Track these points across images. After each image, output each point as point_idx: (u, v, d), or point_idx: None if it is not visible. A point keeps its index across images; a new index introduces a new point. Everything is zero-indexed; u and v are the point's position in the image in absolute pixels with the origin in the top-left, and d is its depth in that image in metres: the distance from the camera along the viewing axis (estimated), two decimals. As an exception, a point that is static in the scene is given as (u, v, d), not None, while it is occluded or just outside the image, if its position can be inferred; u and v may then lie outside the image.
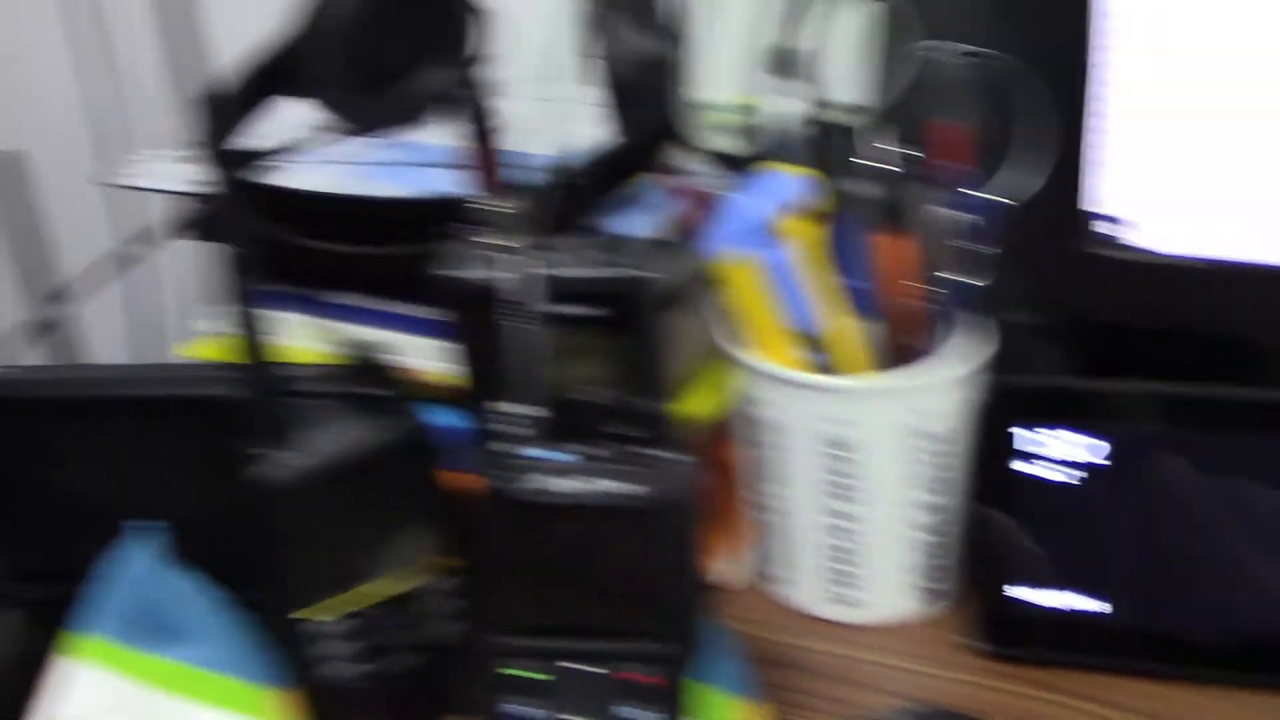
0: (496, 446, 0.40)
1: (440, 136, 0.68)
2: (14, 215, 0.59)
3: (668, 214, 0.60)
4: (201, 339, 0.68)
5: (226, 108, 0.66)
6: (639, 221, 0.57)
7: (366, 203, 0.56)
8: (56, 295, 0.61)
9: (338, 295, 0.61)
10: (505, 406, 0.41)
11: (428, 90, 0.71)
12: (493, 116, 0.48)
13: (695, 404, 0.63)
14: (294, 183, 0.63)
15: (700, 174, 0.54)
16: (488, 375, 0.48)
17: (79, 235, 0.88)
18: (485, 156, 0.48)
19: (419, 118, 0.71)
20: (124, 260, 0.64)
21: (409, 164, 0.65)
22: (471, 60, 0.72)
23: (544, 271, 0.44)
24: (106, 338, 0.90)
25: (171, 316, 1.00)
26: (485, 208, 0.48)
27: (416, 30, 0.70)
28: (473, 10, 0.71)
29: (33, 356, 0.63)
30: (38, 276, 0.60)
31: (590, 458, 0.39)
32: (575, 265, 0.46)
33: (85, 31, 0.91)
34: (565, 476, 0.39)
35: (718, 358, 0.67)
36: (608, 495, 0.38)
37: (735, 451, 0.56)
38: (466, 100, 0.49)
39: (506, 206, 0.48)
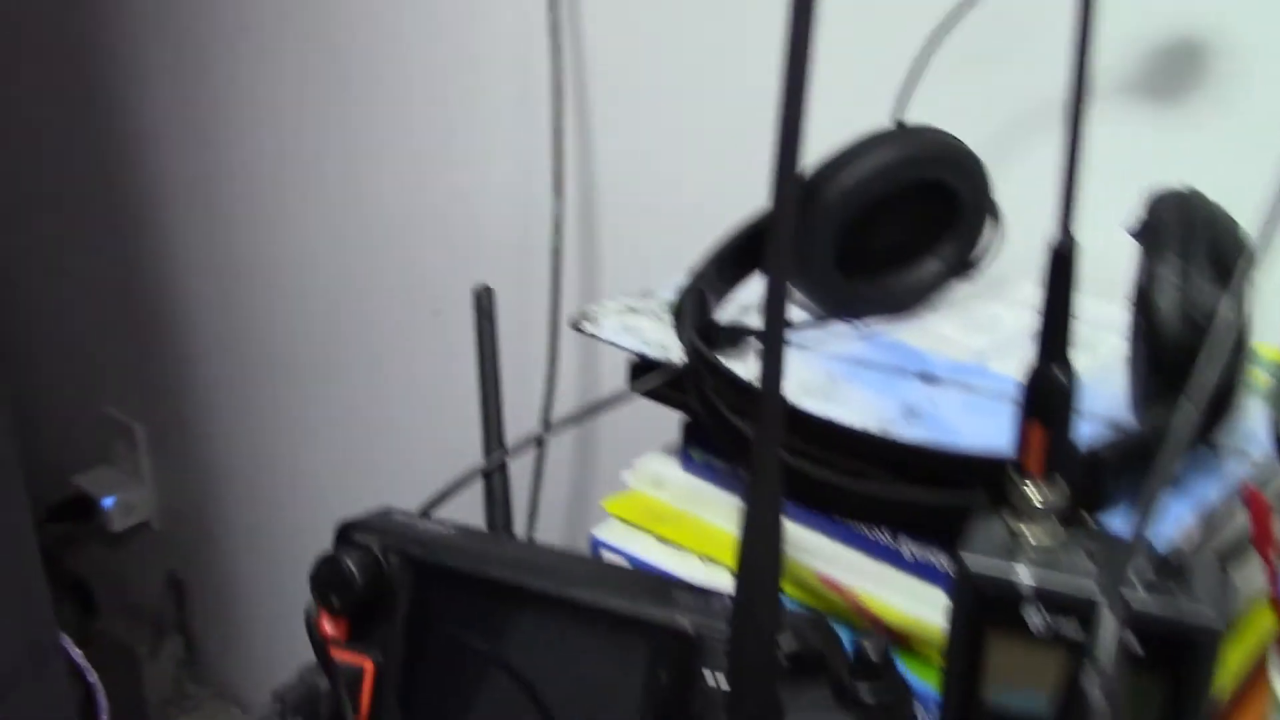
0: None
1: (938, 344, 0.62)
2: (481, 349, 0.57)
3: (1225, 515, 0.50)
4: (629, 495, 0.64)
5: (705, 275, 0.63)
6: (1183, 515, 0.48)
7: (868, 440, 0.50)
8: (504, 447, 0.58)
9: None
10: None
11: (924, 283, 0.65)
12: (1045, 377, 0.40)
13: None
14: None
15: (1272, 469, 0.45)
16: (983, 675, 0.41)
17: (527, 371, 0.87)
18: (1029, 426, 0.40)
19: (909, 309, 0.65)
20: (582, 415, 0.61)
21: (894, 369, 0.59)
22: (977, 261, 0.66)
23: (1112, 602, 0.36)
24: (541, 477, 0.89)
25: (607, 465, 0.98)
26: (1019, 486, 0.41)
27: (919, 218, 0.65)
28: (988, 209, 0.65)
29: (457, 505, 0.61)
30: (490, 415, 0.57)
31: None
32: (1125, 587, 0.38)
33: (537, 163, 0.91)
34: None
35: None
36: None
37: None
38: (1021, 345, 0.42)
39: (1046, 495, 0.40)
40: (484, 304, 0.58)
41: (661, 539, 0.62)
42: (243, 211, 1.30)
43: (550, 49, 0.86)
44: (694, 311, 0.59)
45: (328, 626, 0.51)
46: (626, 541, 0.63)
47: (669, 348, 0.61)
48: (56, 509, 1.69)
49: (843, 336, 0.63)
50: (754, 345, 0.61)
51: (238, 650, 1.64)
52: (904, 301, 0.65)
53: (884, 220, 0.63)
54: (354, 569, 0.49)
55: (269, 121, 1.22)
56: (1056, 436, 0.40)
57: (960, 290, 0.66)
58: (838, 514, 0.51)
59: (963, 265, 0.65)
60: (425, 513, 0.55)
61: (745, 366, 0.58)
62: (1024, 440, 0.40)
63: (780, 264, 0.35)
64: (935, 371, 0.58)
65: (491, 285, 1.03)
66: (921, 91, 0.66)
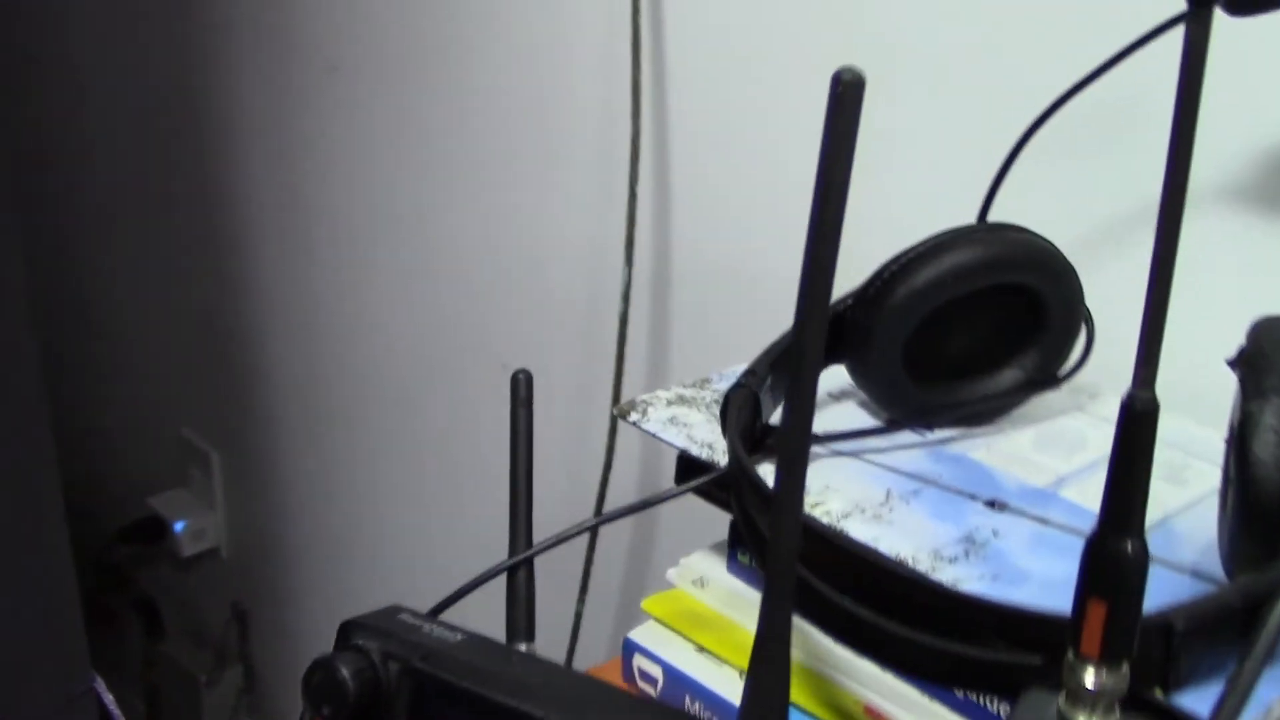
0: None
1: (1011, 464, 0.56)
2: (515, 438, 0.53)
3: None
4: (671, 594, 0.60)
5: (757, 372, 0.58)
6: (1269, 695, 0.43)
7: (918, 584, 0.45)
8: (530, 544, 0.55)
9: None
10: None
11: (1003, 394, 0.60)
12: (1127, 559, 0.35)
13: None
14: (820, 496, 0.53)
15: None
16: None
17: (589, 440, 0.84)
18: (1089, 604, 0.35)
19: (985, 421, 0.60)
20: (633, 509, 0.57)
21: (959, 491, 0.54)
22: (1063, 372, 0.60)
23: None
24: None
25: (657, 559, 0.94)
26: (1075, 669, 0.36)
27: (1000, 323, 0.60)
28: (1077, 315, 0.60)
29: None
30: (519, 509, 0.53)
31: None
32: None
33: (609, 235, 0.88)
34: None
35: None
36: None
37: None
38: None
39: (1104, 680, 0.35)
40: (520, 391, 0.54)
41: (699, 647, 0.58)
42: (324, 256, 1.29)
43: (630, 111, 0.83)
44: (741, 412, 0.54)
45: (318, 735, 0.47)
46: (662, 647, 0.59)
47: (715, 447, 0.56)
48: (129, 529, 1.70)
49: (908, 448, 0.58)
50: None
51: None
52: (979, 412, 0.59)
53: (961, 323, 0.58)
54: (348, 676, 0.46)
55: (354, 168, 1.21)
56: (1120, 616, 0.35)
57: (1043, 403, 0.61)
58: (875, 656, 0.46)
59: (1047, 376, 0.60)
60: (437, 612, 0.51)
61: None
62: (1082, 619, 0.35)
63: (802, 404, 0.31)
64: (1004, 497, 0.53)
65: (560, 347, 1.00)
66: (1011, 186, 0.61)
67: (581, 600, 0.92)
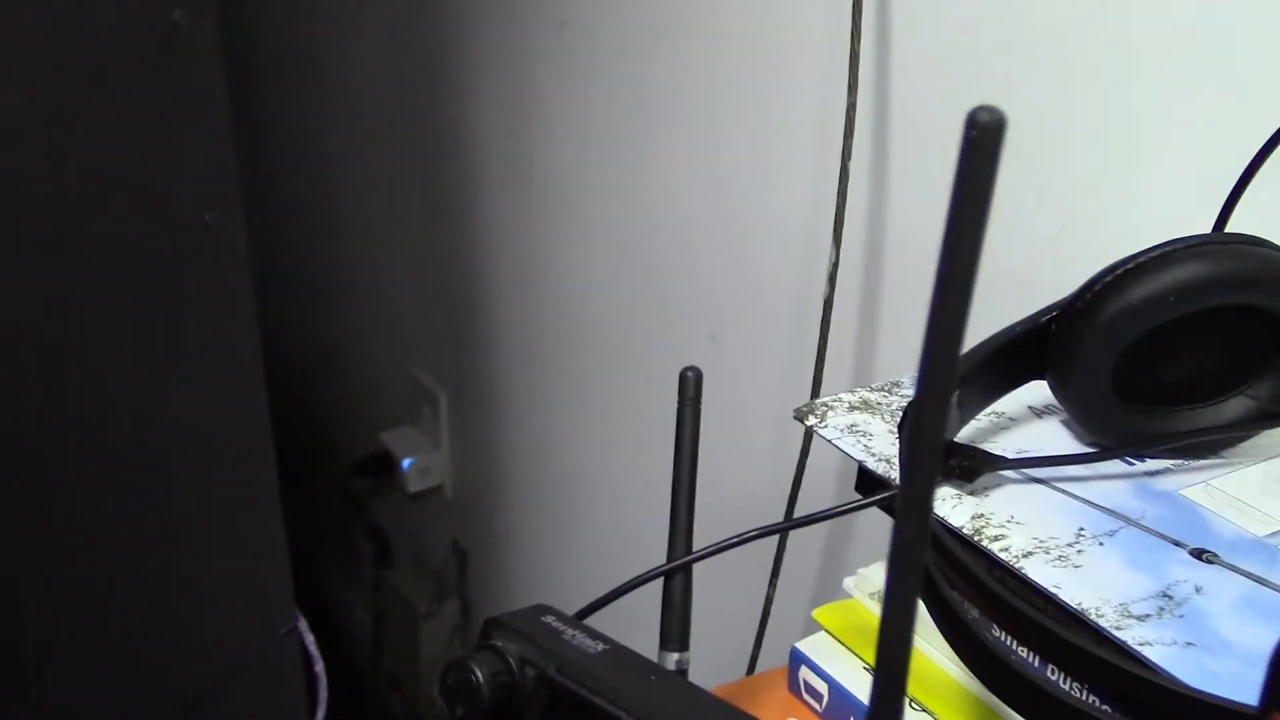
0: None
1: (1228, 507, 0.50)
2: (680, 437, 0.51)
3: None
4: (845, 605, 0.57)
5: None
6: None
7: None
8: (690, 550, 0.52)
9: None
10: None
11: (1228, 425, 0.53)
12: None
13: None
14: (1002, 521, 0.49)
15: None
16: None
17: (783, 439, 0.81)
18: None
19: (1205, 454, 0.54)
20: (814, 518, 0.55)
21: (1164, 536, 0.48)
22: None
23: None
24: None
25: (852, 556, 0.90)
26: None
27: (1230, 345, 0.53)
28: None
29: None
30: (680, 512, 0.51)
31: None
32: None
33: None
34: None
35: None
36: None
37: None
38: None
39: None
40: (689, 389, 0.52)
41: (869, 666, 0.55)
42: (548, 215, 1.30)
43: (847, 81, 0.78)
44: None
45: (452, 734, 0.47)
46: (829, 661, 0.57)
47: (894, 462, 0.53)
48: (364, 461, 1.77)
49: (1114, 479, 0.52)
50: (990, 475, 0.52)
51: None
52: (1199, 444, 0.53)
53: (1183, 343, 0.52)
54: (483, 680, 0.45)
55: (577, 127, 1.20)
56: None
57: (1276, 438, 0.54)
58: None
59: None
60: (583, 616, 0.50)
61: (967, 502, 0.50)
62: (1265, 730, 0.30)
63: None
64: (1215, 546, 0.47)
65: (767, 324, 0.97)
66: (1257, 191, 0.54)
67: (773, 585, 0.90)
